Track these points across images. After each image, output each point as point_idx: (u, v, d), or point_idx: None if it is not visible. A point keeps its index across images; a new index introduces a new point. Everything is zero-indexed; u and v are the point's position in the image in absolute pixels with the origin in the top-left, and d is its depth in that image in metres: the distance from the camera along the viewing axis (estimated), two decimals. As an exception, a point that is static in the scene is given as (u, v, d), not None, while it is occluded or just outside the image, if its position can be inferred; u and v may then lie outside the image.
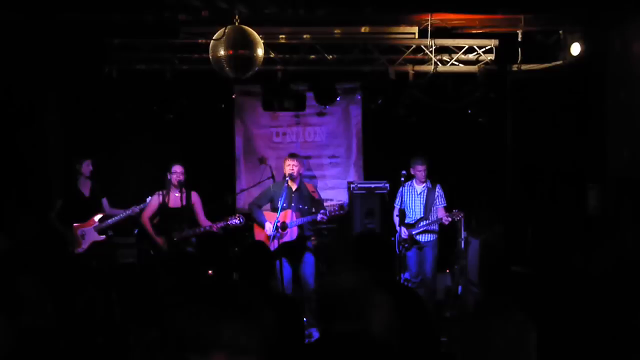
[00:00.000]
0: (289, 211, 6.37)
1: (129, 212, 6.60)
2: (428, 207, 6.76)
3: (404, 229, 6.74)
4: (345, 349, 2.15)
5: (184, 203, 6.42)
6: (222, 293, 1.52)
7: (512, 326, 1.90)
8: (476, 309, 2.05)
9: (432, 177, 6.89)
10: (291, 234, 6.39)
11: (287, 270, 6.33)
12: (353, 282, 2.26)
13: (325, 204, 6.89)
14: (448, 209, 6.73)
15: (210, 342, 1.41)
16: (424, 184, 6.82)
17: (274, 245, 6.20)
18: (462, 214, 6.64)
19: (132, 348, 2.60)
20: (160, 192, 6.49)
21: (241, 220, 6.36)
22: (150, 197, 6.56)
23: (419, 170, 6.72)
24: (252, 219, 6.58)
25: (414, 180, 6.85)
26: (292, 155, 6.61)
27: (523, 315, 1.93)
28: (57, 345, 2.60)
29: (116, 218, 6.69)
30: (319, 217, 6.35)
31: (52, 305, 2.72)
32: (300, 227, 6.43)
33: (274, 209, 6.43)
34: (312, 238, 6.68)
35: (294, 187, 6.48)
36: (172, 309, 1.52)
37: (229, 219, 6.36)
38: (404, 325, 2.24)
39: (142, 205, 6.55)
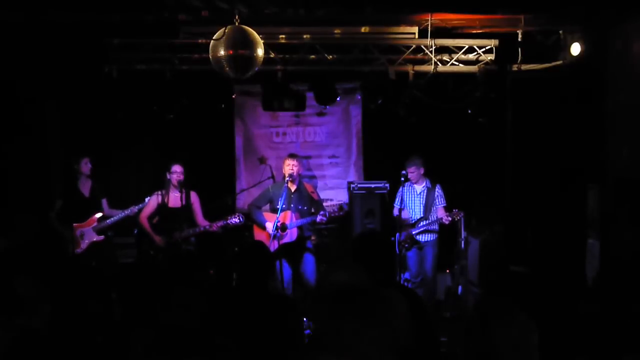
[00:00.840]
0: (288, 212, 6.37)
1: (127, 212, 6.60)
2: (428, 207, 6.76)
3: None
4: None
5: (184, 203, 6.43)
6: (366, 299, 1.51)
7: (514, 327, 1.90)
8: (478, 310, 2.04)
9: (432, 177, 6.89)
10: (291, 235, 6.39)
11: (287, 270, 6.33)
12: (353, 282, 2.25)
13: (325, 204, 6.88)
14: (448, 208, 6.73)
15: (346, 345, 1.41)
16: (424, 184, 6.83)
17: (274, 245, 6.20)
18: (462, 214, 6.64)
19: (132, 348, 2.60)
20: (159, 192, 6.50)
21: (241, 219, 6.36)
22: (148, 197, 6.57)
23: (409, 172, 6.72)
24: (252, 220, 6.57)
25: (413, 180, 6.86)
26: (292, 156, 6.61)
27: (525, 316, 1.93)
28: (57, 345, 2.60)
29: (115, 218, 6.68)
30: (318, 218, 6.35)
31: (51, 306, 2.72)
32: (300, 227, 6.42)
33: (274, 210, 6.42)
34: (312, 238, 6.68)
35: (293, 188, 6.48)
36: (319, 306, 1.54)
37: (229, 217, 6.36)
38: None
39: (140, 205, 6.56)
